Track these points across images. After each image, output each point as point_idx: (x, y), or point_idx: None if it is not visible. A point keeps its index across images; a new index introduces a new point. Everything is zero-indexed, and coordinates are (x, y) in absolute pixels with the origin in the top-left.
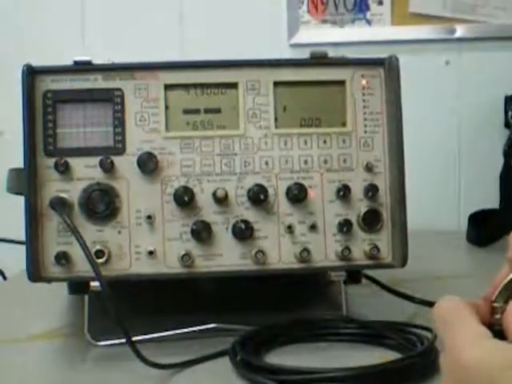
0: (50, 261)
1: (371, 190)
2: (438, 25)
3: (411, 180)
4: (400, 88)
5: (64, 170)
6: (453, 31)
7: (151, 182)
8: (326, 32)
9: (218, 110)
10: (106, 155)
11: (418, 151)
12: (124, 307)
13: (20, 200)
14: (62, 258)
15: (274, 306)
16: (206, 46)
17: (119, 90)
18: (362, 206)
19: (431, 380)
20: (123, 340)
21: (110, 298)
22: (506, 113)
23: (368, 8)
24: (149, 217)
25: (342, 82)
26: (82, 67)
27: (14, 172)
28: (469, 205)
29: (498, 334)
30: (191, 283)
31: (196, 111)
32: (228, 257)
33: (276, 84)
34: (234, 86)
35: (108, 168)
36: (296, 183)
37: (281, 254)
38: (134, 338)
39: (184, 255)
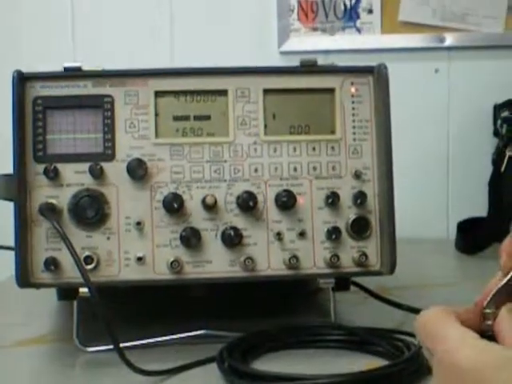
0: (39, 267)
1: (360, 198)
2: (427, 33)
3: (400, 188)
4: (389, 96)
5: (53, 176)
6: (442, 40)
7: (141, 189)
8: (316, 40)
9: (207, 117)
10: (96, 161)
11: (406, 159)
12: (113, 313)
13: (9, 206)
14: (51, 264)
15: (263, 312)
16: (196, 53)
17: (109, 96)
18: (351, 214)
19: None
20: (112, 346)
21: (99, 304)
22: (495, 121)
23: (358, 16)
24: (138, 223)
25: (331, 90)
26: (72, 73)
27: (4, 178)
28: (457, 213)
29: (490, 340)
30: (180, 290)
31: (186, 118)
32: (217, 263)
33: (266, 91)
34: (223, 93)
35: (97, 174)
36: (285, 190)
37: (270, 261)
38: (123, 344)
39: (173, 262)
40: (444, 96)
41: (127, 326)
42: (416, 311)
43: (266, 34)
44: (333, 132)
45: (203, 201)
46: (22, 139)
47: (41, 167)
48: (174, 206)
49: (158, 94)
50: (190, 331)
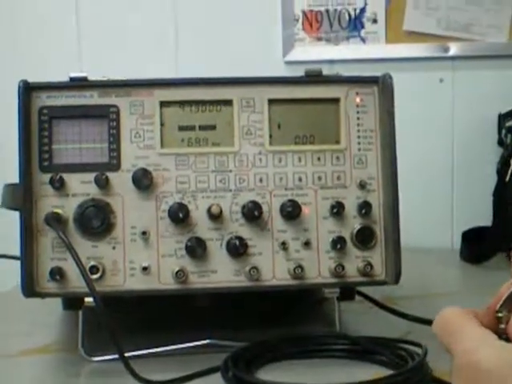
0: (45, 276)
1: (365, 208)
2: (432, 43)
3: (404, 197)
4: (394, 106)
5: (59, 185)
6: (447, 49)
7: (146, 199)
8: (321, 49)
9: (212, 127)
10: (101, 171)
11: (411, 168)
12: (118, 323)
13: (15, 215)
14: (57, 274)
15: (267, 322)
16: (201, 63)
17: (115, 106)
18: (356, 223)
19: None
20: (117, 355)
21: (104, 313)
22: (500, 131)
23: (363, 26)
24: (143, 233)
25: (336, 100)
26: (78, 83)
27: (10, 187)
28: (462, 222)
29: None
30: (185, 299)
31: (191, 128)
32: (222, 273)
33: (271, 101)
34: (228, 103)
35: (103, 184)
36: (290, 200)
37: (275, 271)
38: (128, 354)
39: (178, 271)
40: (448, 105)
41: (132, 335)
42: (421, 321)
43: (271, 44)
44: (338, 142)
45: (208, 210)
46: (27, 149)
47: (46, 177)
48: (179, 215)
49: (164, 104)
50: (195, 341)
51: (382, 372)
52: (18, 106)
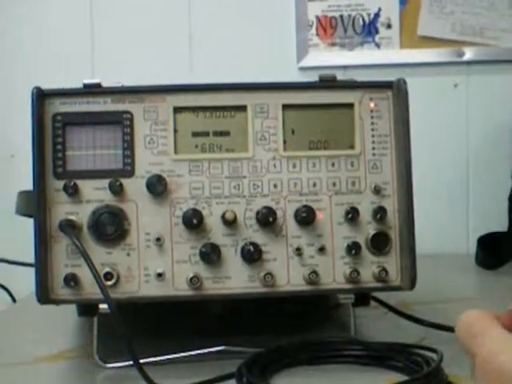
0: (59, 283)
1: (379, 213)
2: (446, 48)
3: (419, 202)
4: (408, 111)
5: (73, 192)
6: (461, 54)
7: (160, 205)
8: (335, 55)
9: (226, 133)
10: (115, 178)
11: (426, 173)
12: (132, 329)
13: (29, 222)
14: (71, 281)
15: (282, 328)
16: (215, 68)
17: (128, 112)
18: (371, 229)
19: None
20: (132, 362)
21: (119, 320)
22: None
23: (377, 31)
24: (158, 239)
25: (350, 105)
26: (92, 90)
27: (24, 194)
28: (478, 227)
29: None
30: (200, 305)
31: (205, 134)
32: (236, 279)
33: (285, 107)
34: (242, 108)
35: (117, 190)
36: (304, 206)
37: (289, 277)
38: (142, 361)
39: (192, 277)
40: (463, 110)
41: (147, 342)
42: (437, 327)
43: (285, 50)
44: (352, 147)
45: (223, 216)
46: (41, 155)
47: (60, 183)
48: (193, 221)
49: (177, 110)
50: (209, 347)
51: (397, 378)
52: (32, 112)
